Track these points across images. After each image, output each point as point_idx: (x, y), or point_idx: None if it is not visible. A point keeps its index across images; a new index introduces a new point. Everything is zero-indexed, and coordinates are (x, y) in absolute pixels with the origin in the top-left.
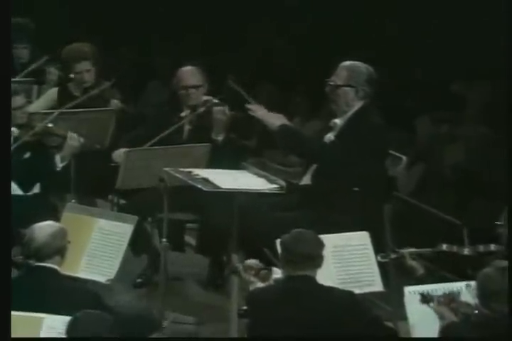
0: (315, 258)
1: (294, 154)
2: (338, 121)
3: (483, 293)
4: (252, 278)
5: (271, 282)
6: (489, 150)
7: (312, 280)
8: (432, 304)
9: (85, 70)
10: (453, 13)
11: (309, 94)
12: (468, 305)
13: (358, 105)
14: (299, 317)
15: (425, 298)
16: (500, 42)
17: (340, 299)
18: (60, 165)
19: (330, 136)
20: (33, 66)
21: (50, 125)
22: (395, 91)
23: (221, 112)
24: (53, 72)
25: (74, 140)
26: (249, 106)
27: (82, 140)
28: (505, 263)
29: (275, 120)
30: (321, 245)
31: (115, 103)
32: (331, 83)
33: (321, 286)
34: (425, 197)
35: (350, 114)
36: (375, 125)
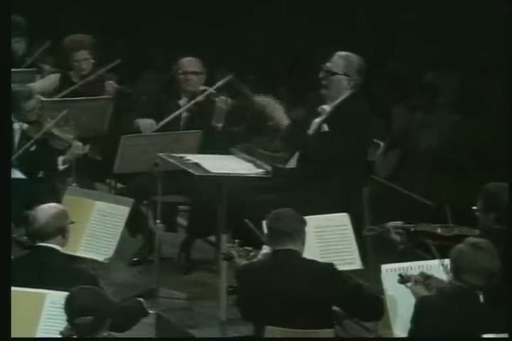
0: (294, 234)
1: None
2: (326, 107)
3: (456, 267)
4: (245, 262)
5: (259, 257)
6: (460, 135)
7: (296, 253)
8: (409, 284)
9: (83, 59)
10: (429, 5)
11: (293, 84)
12: (441, 281)
13: (347, 93)
14: (285, 289)
15: (403, 279)
16: (474, 33)
17: (322, 269)
18: (61, 167)
19: (318, 122)
20: (36, 54)
21: (56, 132)
22: (373, 81)
23: (223, 101)
24: (47, 70)
25: (78, 148)
26: None
27: (87, 149)
28: (475, 239)
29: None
30: (300, 221)
31: (111, 84)
32: (328, 69)
33: (304, 259)
34: (401, 180)
35: (339, 101)
36: (362, 114)
